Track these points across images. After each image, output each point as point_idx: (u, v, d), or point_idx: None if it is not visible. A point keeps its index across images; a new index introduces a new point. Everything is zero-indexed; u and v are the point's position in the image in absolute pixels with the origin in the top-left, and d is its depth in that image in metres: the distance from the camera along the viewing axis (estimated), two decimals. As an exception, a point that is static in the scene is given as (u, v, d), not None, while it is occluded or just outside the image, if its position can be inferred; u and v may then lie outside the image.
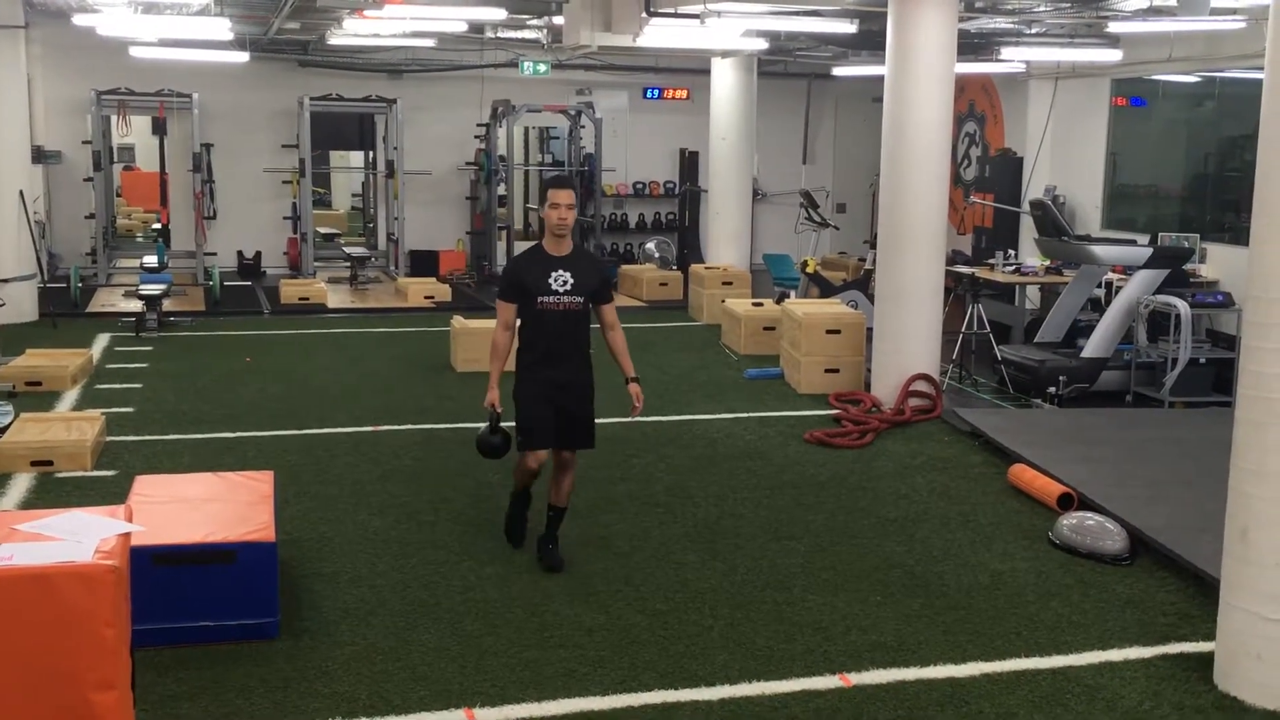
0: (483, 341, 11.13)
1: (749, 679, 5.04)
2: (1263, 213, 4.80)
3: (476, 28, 14.11)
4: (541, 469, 6.19)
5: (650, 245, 17.29)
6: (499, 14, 12.16)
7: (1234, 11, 10.35)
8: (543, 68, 15.82)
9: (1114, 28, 12.04)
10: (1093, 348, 10.19)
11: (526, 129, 19.42)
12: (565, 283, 5.96)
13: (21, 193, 13.12)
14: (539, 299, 5.96)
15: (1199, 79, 12.51)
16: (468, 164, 17.82)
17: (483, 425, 6.20)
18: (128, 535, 4.00)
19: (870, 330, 10.38)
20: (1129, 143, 13.58)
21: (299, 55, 17.07)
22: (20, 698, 3.59)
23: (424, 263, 17.32)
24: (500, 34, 14.88)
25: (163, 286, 13.13)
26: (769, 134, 17.71)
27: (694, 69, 17.36)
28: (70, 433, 7.94)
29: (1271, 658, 4.81)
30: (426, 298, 15.08)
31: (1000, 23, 12.08)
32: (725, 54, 15.32)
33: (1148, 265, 10.20)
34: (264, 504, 5.74)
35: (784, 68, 17.34)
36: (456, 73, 17.51)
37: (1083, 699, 4.93)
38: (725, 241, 15.99)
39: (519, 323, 6.12)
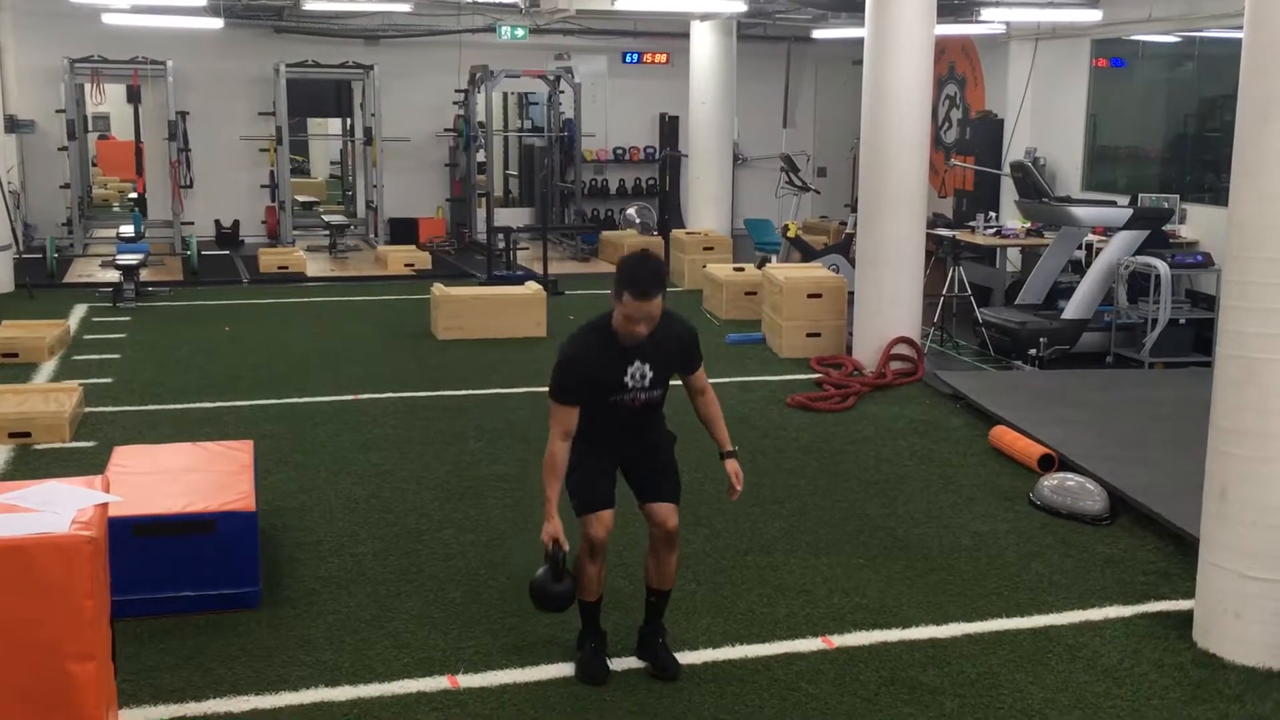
0: (463, 308, 11.21)
1: (732, 642, 5.06)
2: (1242, 173, 4.79)
3: (454, -9, 14.00)
4: (608, 539, 4.72)
5: (631, 211, 17.22)
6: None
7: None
8: (521, 32, 15.69)
9: (1093, -13, 12.02)
10: (1073, 309, 10.21)
11: (505, 95, 19.29)
12: (643, 376, 4.67)
13: (-5, 163, 13.01)
14: (609, 397, 4.65)
15: (1179, 39, 12.49)
16: (446, 130, 17.71)
17: (540, 569, 4.63)
18: (105, 506, 3.97)
19: (851, 294, 10.37)
20: (1109, 104, 13.57)
21: (274, 21, 16.89)
22: (-2, 670, 3.57)
23: (403, 230, 17.24)
24: (477, -2, 14.78)
25: (140, 256, 13.02)
26: (749, 98, 17.63)
27: (673, 33, 17.26)
28: (48, 404, 7.89)
29: (1250, 615, 4.85)
30: (406, 265, 15.01)
31: (980, -17, 12.04)
32: (704, 17, 15.23)
33: (1128, 226, 10.21)
34: (244, 473, 5.71)
35: (763, 31, 17.26)
36: (434, 38, 17.36)
37: (1063, 658, 4.96)
38: (706, 206, 15.94)
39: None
